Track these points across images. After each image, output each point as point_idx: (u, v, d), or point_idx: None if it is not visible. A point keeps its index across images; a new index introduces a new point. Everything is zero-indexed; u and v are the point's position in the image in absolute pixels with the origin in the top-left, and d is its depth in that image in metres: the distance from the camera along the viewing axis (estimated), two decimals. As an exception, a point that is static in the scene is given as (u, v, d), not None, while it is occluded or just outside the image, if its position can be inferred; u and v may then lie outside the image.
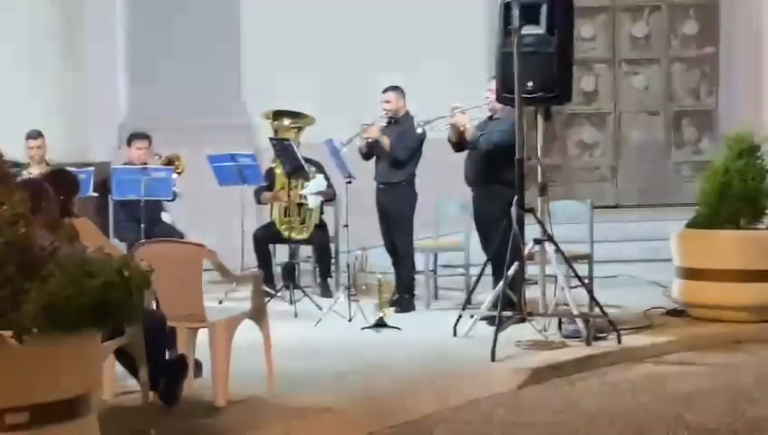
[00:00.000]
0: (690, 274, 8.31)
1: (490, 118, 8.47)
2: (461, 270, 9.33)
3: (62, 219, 5.13)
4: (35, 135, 9.11)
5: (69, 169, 6.51)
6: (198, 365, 6.34)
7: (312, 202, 9.60)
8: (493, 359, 6.94)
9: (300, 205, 9.62)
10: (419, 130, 8.63)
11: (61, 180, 5.69)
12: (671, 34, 13.09)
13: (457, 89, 10.89)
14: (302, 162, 9.01)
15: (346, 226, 8.70)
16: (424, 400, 6.16)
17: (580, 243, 8.69)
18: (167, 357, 5.89)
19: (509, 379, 6.64)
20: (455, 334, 7.76)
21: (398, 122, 9.15)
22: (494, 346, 6.97)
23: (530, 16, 7.53)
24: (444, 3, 11.85)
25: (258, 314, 6.15)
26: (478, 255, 9.31)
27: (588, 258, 8.57)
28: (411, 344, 7.56)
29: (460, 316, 7.83)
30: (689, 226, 8.51)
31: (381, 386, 6.33)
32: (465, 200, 9.34)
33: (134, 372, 5.75)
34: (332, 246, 9.94)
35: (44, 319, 4.18)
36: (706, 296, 8.19)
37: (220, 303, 8.17)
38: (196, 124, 11.49)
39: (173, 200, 9.55)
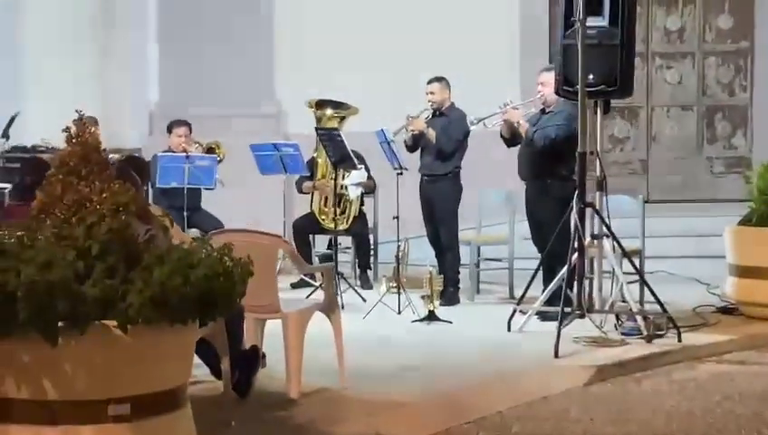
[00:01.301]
0: (744, 271, 8.31)
1: (542, 111, 8.47)
2: (505, 263, 9.34)
3: (148, 207, 5.11)
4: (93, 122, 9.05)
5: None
6: (263, 356, 6.33)
7: (353, 193, 9.59)
8: (556, 355, 6.94)
9: (340, 195, 9.61)
10: (472, 127, 8.62)
11: (137, 167, 5.67)
12: (706, 28, 13.09)
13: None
14: (350, 152, 8.99)
15: (396, 217, 8.68)
16: (495, 396, 6.17)
17: (626, 238, 8.70)
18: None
19: (575, 376, 6.65)
20: (509, 329, 7.77)
21: (444, 114, 9.15)
22: (558, 343, 6.98)
23: (592, 8, 7.52)
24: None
25: (330, 307, 6.14)
26: (521, 248, 9.37)
27: (639, 254, 8.57)
28: (467, 339, 7.59)
29: (515, 311, 7.83)
30: (742, 223, 8.50)
31: (450, 382, 6.33)
32: (509, 193, 9.39)
33: (208, 361, 5.76)
34: (371, 237, 9.95)
35: (151, 310, 4.17)
36: (760, 295, 8.20)
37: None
38: (226, 112, 11.47)
39: (213, 188, 9.53)
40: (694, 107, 13.16)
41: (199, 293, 4.28)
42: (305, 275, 9.24)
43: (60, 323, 4.09)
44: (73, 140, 4.52)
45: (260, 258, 5.79)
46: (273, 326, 6.16)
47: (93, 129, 4.56)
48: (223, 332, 5.31)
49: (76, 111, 4.56)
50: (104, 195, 4.42)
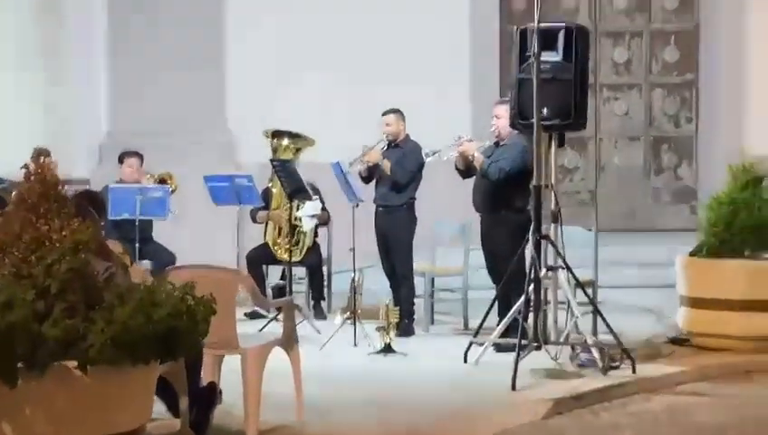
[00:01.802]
0: (696, 302, 8.35)
1: (496, 144, 8.47)
2: (459, 294, 9.32)
3: (106, 244, 5.03)
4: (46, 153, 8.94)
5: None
6: (220, 392, 6.23)
7: (307, 225, 9.52)
8: (513, 388, 6.92)
9: (294, 227, 9.54)
10: (427, 160, 8.59)
11: (94, 202, 5.56)
12: (652, 60, 13.22)
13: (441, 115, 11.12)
14: (305, 184, 8.94)
15: (352, 249, 8.62)
16: (455, 430, 6.14)
17: (578, 268, 8.70)
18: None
19: (533, 409, 6.62)
20: (465, 361, 7.73)
21: (399, 146, 9.13)
22: (515, 375, 6.95)
23: (547, 43, 7.56)
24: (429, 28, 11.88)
25: (289, 342, 6.07)
26: (474, 279, 9.35)
27: (592, 284, 8.59)
28: (424, 371, 7.55)
29: (471, 343, 7.80)
30: (693, 254, 8.55)
31: (409, 416, 6.28)
32: (464, 224, 9.38)
33: (165, 399, 5.65)
34: (325, 268, 9.90)
35: (112, 350, 4.09)
36: (712, 326, 8.23)
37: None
38: (178, 141, 11.36)
39: (166, 219, 9.42)
40: (641, 138, 13.27)
41: (162, 332, 4.21)
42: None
43: (19, 365, 3.99)
44: (32, 177, 4.43)
45: (219, 294, 5.72)
46: (230, 361, 6.08)
47: (52, 165, 4.47)
48: (182, 370, 5.22)
49: (34, 148, 4.48)
50: (64, 233, 4.35)
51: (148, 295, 4.24)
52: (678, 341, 8.59)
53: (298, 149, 9.62)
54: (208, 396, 5.76)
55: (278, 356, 6.18)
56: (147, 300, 4.21)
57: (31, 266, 4.21)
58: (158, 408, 5.69)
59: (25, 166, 4.42)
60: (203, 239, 10.38)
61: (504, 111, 8.27)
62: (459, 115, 11.59)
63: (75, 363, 4.07)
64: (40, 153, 8.99)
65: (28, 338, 3.94)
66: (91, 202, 5.56)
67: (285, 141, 9.61)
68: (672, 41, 13.20)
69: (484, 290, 8.99)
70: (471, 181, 8.66)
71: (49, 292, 4.15)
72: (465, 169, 8.50)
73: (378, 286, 9.44)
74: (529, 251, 7.52)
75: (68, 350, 4.06)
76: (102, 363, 4.07)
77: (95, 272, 4.38)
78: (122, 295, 4.25)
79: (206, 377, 5.96)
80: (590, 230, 9.08)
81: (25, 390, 3.99)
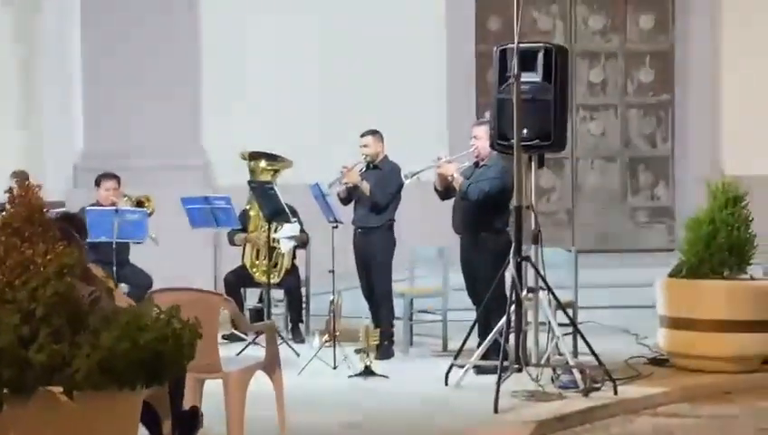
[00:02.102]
0: (675, 323, 8.38)
1: (476, 165, 8.49)
2: (439, 316, 9.33)
3: (90, 268, 5.00)
4: (25, 176, 8.88)
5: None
6: (201, 416, 6.20)
7: (285, 246, 9.51)
8: (496, 411, 6.92)
9: (272, 249, 9.53)
10: (406, 181, 8.59)
11: (77, 225, 5.53)
12: (627, 81, 13.31)
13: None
14: (284, 206, 8.93)
15: (332, 271, 8.61)
16: (439, 453, 6.12)
17: (557, 289, 8.73)
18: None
19: (517, 431, 6.63)
20: (446, 383, 7.73)
21: (378, 167, 9.15)
22: (497, 397, 6.95)
23: (526, 63, 7.59)
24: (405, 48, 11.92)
25: (272, 366, 6.05)
26: (455, 301, 9.37)
27: (572, 305, 8.62)
28: (406, 394, 7.54)
29: (452, 365, 7.80)
30: (672, 274, 8.59)
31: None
32: (442, 245, 9.40)
33: (147, 423, 5.61)
34: (303, 290, 9.88)
35: (99, 375, 4.06)
36: (692, 346, 8.26)
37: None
38: (153, 164, 11.32)
39: (142, 242, 9.38)
40: (617, 158, 13.35)
41: (148, 357, 4.18)
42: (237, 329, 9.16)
43: (4, 390, 3.96)
44: (16, 201, 4.41)
45: (202, 317, 5.70)
46: (210, 384, 6.06)
47: (36, 188, 4.45)
48: (166, 394, 5.19)
49: (12, 171, 4.47)
50: (48, 256, 4.32)
51: (134, 320, 4.21)
52: (658, 361, 8.63)
53: (276, 171, 9.63)
54: (191, 420, 5.73)
55: (259, 380, 6.16)
56: (132, 324, 4.18)
57: (15, 291, 4.18)
58: (141, 432, 5.66)
59: (9, 190, 4.39)
60: (179, 262, 10.32)
61: (482, 132, 8.30)
62: (435, 135, 11.64)
63: (61, 389, 4.04)
64: (22, 176, 9.02)
65: (15, 363, 3.91)
66: (73, 225, 5.53)
67: (263, 163, 9.62)
68: (647, 61, 13.30)
69: (462, 311, 9.03)
70: (450, 202, 8.69)
71: (34, 316, 4.12)
72: (444, 190, 8.51)
73: (355, 308, 9.44)
74: (509, 272, 7.53)
75: (54, 375, 4.03)
76: (88, 389, 4.04)
77: (80, 296, 4.35)
78: (108, 320, 4.23)
79: (187, 401, 5.92)
80: (569, 251, 9.11)
81: (11, 415, 3.95)
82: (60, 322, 4.14)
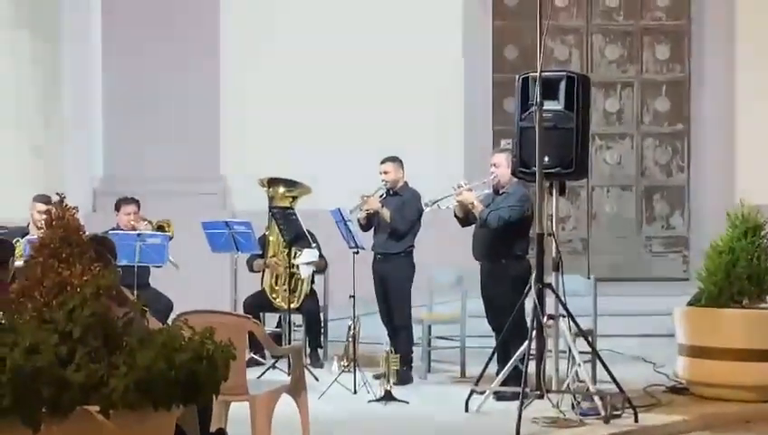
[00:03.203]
0: (694, 351, 8.41)
1: (496, 192, 8.54)
2: (457, 342, 9.37)
3: (123, 289, 5.06)
4: (46, 200, 8.96)
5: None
6: (227, 439, 6.26)
7: (304, 272, 9.57)
8: (518, 437, 6.96)
9: (291, 274, 9.59)
10: (426, 210, 8.64)
11: (109, 248, 5.61)
12: (643, 110, 13.39)
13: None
14: (305, 231, 9.00)
15: (352, 296, 8.67)
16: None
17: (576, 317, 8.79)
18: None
19: (539, 457, 6.66)
20: (466, 410, 7.77)
21: (398, 193, 9.22)
22: (519, 424, 6.99)
23: (548, 92, 7.67)
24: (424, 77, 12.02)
25: (297, 389, 6.11)
26: (471, 326, 9.42)
27: (591, 333, 8.66)
28: (426, 420, 7.57)
29: (472, 391, 7.84)
30: (691, 303, 8.63)
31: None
32: (461, 271, 9.45)
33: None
34: (321, 315, 9.94)
35: (135, 394, 4.12)
36: (711, 375, 8.28)
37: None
38: (172, 189, 11.42)
39: (163, 266, 9.45)
40: (633, 187, 13.41)
41: (183, 377, 4.24)
42: (256, 354, 9.25)
43: (42, 409, 4.02)
44: (53, 223, 4.48)
45: (230, 339, 5.78)
46: (238, 407, 6.11)
47: (74, 210, 4.53)
48: (195, 416, 5.24)
49: (56, 193, 4.55)
50: (85, 277, 4.39)
51: (170, 340, 4.28)
52: (677, 390, 8.65)
53: (294, 197, 9.70)
54: (218, 442, 5.79)
55: (284, 403, 6.21)
56: (168, 345, 4.25)
57: (53, 311, 4.25)
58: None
59: (47, 211, 4.47)
60: (198, 286, 10.39)
61: (503, 160, 8.36)
62: (453, 162, 11.74)
63: (98, 408, 4.09)
64: (43, 200, 9.10)
65: (53, 383, 3.97)
66: (105, 247, 5.62)
67: (281, 189, 9.70)
68: (663, 91, 13.38)
69: (480, 337, 9.08)
70: (469, 229, 8.74)
71: (71, 336, 4.19)
72: (464, 217, 8.57)
73: (374, 333, 9.48)
74: (530, 299, 7.58)
75: (90, 394, 4.09)
76: (125, 408, 4.09)
77: (116, 317, 4.42)
78: (143, 340, 4.29)
79: (213, 423, 5.98)
80: (588, 278, 9.16)
81: (48, 434, 4.01)
82: (97, 342, 4.21)
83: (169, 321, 5.94)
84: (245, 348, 5.85)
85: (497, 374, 8.01)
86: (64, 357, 4.13)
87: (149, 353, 4.19)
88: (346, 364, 8.75)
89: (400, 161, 9.27)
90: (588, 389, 7.64)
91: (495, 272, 8.39)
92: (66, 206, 4.49)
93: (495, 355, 8.15)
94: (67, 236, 4.44)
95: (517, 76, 7.92)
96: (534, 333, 7.46)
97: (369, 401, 8.10)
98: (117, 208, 9.77)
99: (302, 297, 9.69)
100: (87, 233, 5.20)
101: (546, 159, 7.61)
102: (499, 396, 7.95)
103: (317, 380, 8.75)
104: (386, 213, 9.04)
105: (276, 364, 8.96)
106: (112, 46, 11.91)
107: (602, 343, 10.05)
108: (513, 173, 8.04)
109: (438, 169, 10.93)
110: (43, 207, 9.00)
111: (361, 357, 8.74)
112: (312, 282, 9.84)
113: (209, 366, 4.35)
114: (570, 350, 7.74)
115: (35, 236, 8.02)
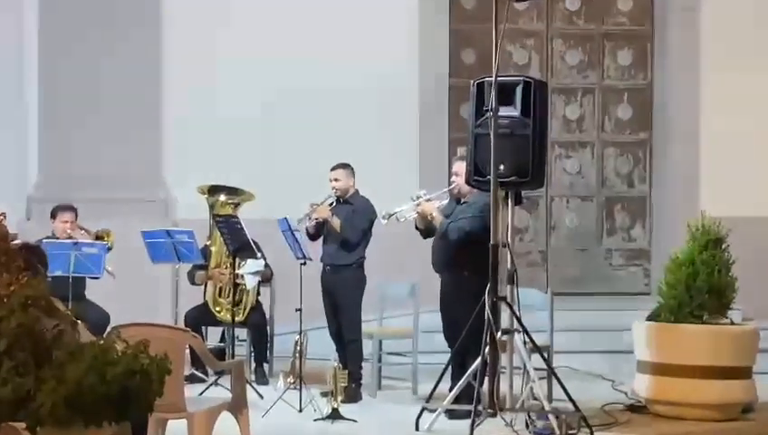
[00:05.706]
0: (653, 368, 8.46)
1: (457, 201, 8.54)
2: (409, 358, 9.38)
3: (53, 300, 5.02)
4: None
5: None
6: (163, 459, 6.23)
7: (250, 283, 9.56)
8: (469, 457, 6.98)
9: (236, 285, 9.57)
10: (384, 222, 8.62)
11: (39, 257, 5.56)
12: (604, 118, 13.47)
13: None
14: (250, 240, 8.99)
15: (299, 309, 8.65)
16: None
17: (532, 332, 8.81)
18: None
19: (491, 477, 6.68)
20: (417, 428, 7.77)
21: (348, 202, 9.22)
22: (471, 443, 7.02)
23: (504, 98, 7.70)
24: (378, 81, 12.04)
25: (238, 406, 6.09)
26: (425, 343, 9.44)
27: (547, 349, 8.71)
28: (374, 439, 7.58)
29: (423, 409, 7.85)
30: (650, 318, 8.68)
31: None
32: (414, 284, 9.46)
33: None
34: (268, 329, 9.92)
35: (64, 410, 4.10)
36: (670, 392, 8.34)
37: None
38: (110, 197, 11.33)
39: (99, 277, 9.39)
40: (593, 197, 13.48)
41: (116, 392, 4.22)
42: (198, 370, 9.21)
43: (-35, 426, 3.99)
44: (-21, 230, 4.45)
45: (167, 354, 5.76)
46: (175, 425, 6.08)
47: (1, 217, 4.50)
48: (129, 433, 5.20)
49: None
50: (12, 287, 4.36)
51: (101, 354, 4.26)
52: (636, 408, 8.70)
53: (237, 205, 9.69)
54: (153, 462, 5.75)
55: (225, 421, 6.19)
56: (100, 358, 4.23)
57: (-23, 322, 4.22)
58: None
59: (-28, 217, 4.44)
60: (138, 298, 10.33)
61: (463, 168, 8.36)
62: (406, 170, 11.75)
63: (24, 425, 4.07)
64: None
65: (-23, 397, 3.94)
66: (35, 256, 5.57)
67: (222, 197, 9.70)
68: (625, 98, 13.47)
69: (433, 353, 9.09)
70: (422, 239, 8.75)
71: (-4, 349, 4.16)
72: (425, 229, 8.58)
73: (321, 349, 9.47)
74: (486, 313, 7.60)
75: (17, 410, 4.06)
76: (53, 424, 4.07)
77: (44, 329, 4.39)
78: (74, 353, 4.27)
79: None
80: (545, 292, 9.21)
81: (-29, 451, 3.98)
82: (24, 355, 4.18)
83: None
84: (183, 362, 5.83)
85: (450, 391, 8.02)
86: (-11, 371, 4.10)
87: (80, 367, 4.17)
88: (292, 381, 8.73)
89: (351, 168, 9.28)
90: (543, 407, 7.68)
91: (456, 285, 8.34)
92: (-7, 213, 4.45)
93: (450, 372, 8.16)
94: (-6, 244, 4.40)
95: (472, 81, 7.95)
96: (488, 348, 7.47)
97: (316, 420, 8.09)
98: (53, 216, 9.72)
99: (248, 309, 9.67)
100: (18, 241, 5.17)
101: (501, 167, 7.64)
102: (451, 414, 7.96)
103: (261, 397, 8.73)
104: (336, 222, 9.04)
105: (219, 381, 8.91)
106: (50, 46, 11.79)
107: (559, 359, 10.11)
108: (467, 181, 8.05)
109: (393, 176, 10.94)
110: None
111: (309, 374, 8.73)
112: (258, 293, 9.82)
113: (143, 381, 4.33)
114: (525, 366, 7.78)
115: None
